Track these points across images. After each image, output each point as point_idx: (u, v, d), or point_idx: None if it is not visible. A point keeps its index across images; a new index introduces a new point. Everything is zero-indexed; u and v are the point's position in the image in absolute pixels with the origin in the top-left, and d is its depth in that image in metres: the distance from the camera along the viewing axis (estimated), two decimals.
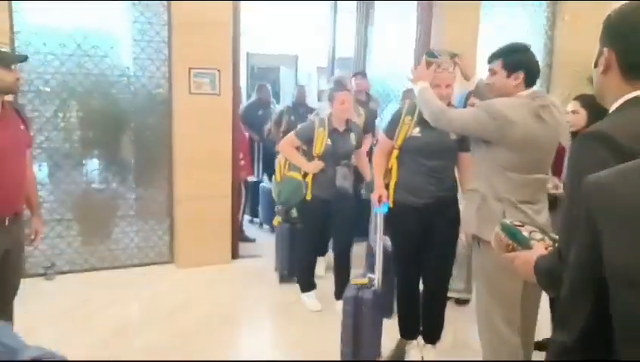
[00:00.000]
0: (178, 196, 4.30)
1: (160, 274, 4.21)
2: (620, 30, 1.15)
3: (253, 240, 5.11)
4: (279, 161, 3.72)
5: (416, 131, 2.73)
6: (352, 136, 3.47)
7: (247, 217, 5.67)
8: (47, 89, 3.95)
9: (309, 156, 3.45)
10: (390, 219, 2.89)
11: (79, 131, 4.15)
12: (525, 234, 1.44)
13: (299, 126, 3.64)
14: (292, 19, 8.57)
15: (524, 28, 5.72)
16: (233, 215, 4.52)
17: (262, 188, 5.40)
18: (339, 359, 2.87)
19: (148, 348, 3.03)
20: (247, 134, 5.40)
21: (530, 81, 2.24)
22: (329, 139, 3.37)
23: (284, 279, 4.05)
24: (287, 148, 3.53)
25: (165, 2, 4.17)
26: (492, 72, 2.29)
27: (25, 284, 3.77)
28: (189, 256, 4.33)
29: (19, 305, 3.49)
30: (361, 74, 5.05)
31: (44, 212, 4.04)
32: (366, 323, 2.80)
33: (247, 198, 5.32)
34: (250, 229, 5.43)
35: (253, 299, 3.86)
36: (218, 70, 4.22)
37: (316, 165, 3.40)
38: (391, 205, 2.84)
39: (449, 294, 3.62)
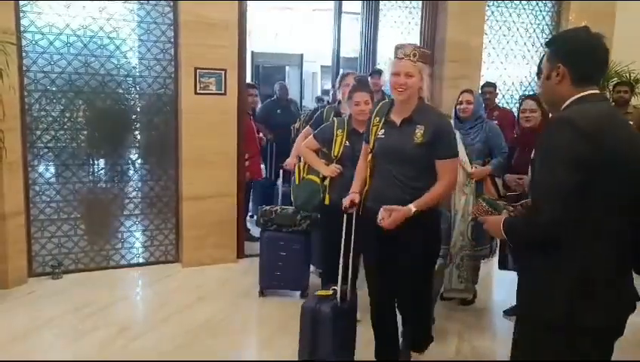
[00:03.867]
0: (184, 195, 4.32)
1: (166, 273, 4.23)
2: (570, 51, 1.64)
3: (258, 239, 5.11)
4: (299, 163, 3.55)
5: (381, 133, 2.55)
6: None
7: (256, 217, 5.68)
8: (54, 88, 3.97)
9: (329, 159, 3.27)
10: (357, 226, 2.73)
11: (86, 130, 4.16)
12: (501, 204, 1.92)
13: (319, 127, 3.44)
14: (297, 18, 8.57)
15: (529, 27, 5.73)
16: (239, 214, 4.54)
17: (275, 190, 5.39)
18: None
19: (153, 347, 3.05)
20: (261, 135, 5.37)
21: None
22: (347, 141, 3.18)
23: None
24: (305, 150, 3.39)
25: (171, 2, 4.18)
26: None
27: (32, 283, 3.84)
28: (195, 255, 4.35)
29: (27, 304, 3.53)
30: (378, 72, 4.91)
31: (51, 211, 4.08)
32: (323, 336, 2.64)
33: (250, 198, 5.34)
34: (255, 229, 5.43)
35: (258, 299, 3.88)
36: (224, 70, 4.24)
37: (333, 168, 3.22)
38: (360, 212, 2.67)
39: (451, 295, 3.62)
